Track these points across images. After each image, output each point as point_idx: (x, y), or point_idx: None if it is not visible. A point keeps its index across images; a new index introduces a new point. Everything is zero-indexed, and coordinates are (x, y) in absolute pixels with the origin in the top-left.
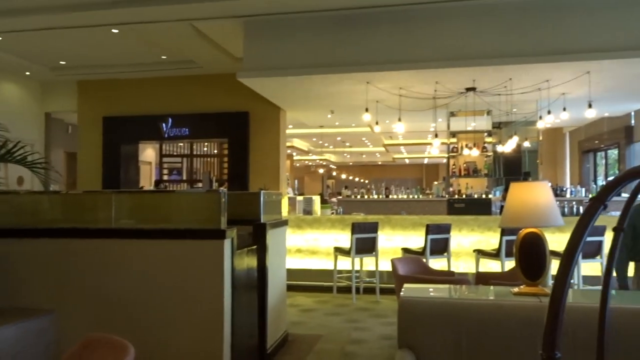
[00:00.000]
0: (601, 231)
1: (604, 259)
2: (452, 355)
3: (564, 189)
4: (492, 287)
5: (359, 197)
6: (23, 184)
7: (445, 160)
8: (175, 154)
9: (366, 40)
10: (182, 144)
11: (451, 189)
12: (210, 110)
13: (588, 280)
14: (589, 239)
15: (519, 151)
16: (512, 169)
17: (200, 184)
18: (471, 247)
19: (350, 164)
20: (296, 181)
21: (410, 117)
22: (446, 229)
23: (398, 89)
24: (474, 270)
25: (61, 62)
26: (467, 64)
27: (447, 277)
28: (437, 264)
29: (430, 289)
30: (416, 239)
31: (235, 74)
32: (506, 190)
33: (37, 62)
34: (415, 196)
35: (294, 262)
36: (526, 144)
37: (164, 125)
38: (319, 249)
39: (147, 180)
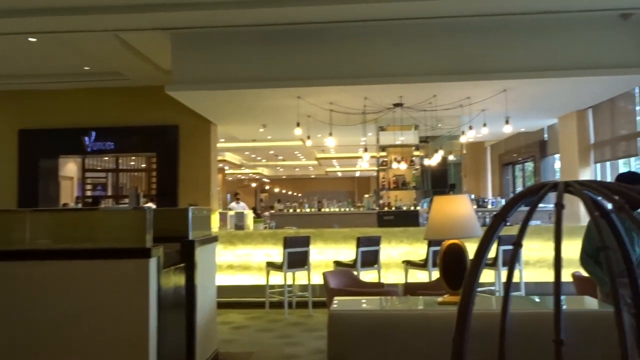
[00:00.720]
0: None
1: (522, 266)
2: None
3: (486, 200)
4: (419, 298)
5: (291, 210)
6: None
7: (375, 174)
8: (99, 168)
9: (297, 56)
10: (107, 158)
11: (381, 202)
12: (137, 123)
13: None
14: (506, 247)
15: (444, 164)
16: (439, 182)
17: (127, 200)
18: (400, 258)
19: (284, 177)
20: (228, 195)
21: (341, 131)
22: (376, 241)
23: (328, 103)
24: (403, 281)
25: None
26: (394, 81)
27: (377, 288)
28: (368, 276)
29: (360, 302)
30: (348, 252)
31: (164, 86)
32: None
33: None
34: (347, 209)
35: (225, 279)
36: (451, 157)
37: (86, 138)
38: (251, 264)
39: (68, 197)
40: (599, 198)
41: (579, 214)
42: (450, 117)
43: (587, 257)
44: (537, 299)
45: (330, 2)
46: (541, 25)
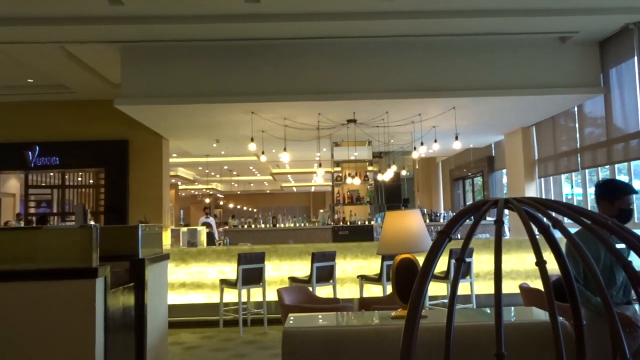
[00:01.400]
0: (470, 253)
1: (473, 279)
2: None
3: (438, 214)
4: (374, 312)
5: (246, 226)
6: None
7: (330, 189)
8: (44, 184)
9: (250, 71)
10: (52, 174)
11: (336, 217)
12: (84, 137)
13: (462, 299)
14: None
15: (397, 179)
16: (393, 196)
17: (73, 217)
18: (355, 273)
19: (238, 192)
20: (181, 211)
21: (295, 146)
22: (331, 256)
23: (283, 119)
24: (358, 296)
25: None
26: (347, 97)
27: (332, 304)
28: (323, 291)
29: (315, 318)
30: (303, 267)
31: (112, 100)
32: None
33: None
34: (302, 224)
35: (177, 298)
36: (404, 172)
37: (30, 153)
38: (204, 282)
39: (10, 214)
40: (537, 214)
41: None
42: (402, 133)
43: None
44: (488, 311)
45: (282, 19)
46: (487, 47)
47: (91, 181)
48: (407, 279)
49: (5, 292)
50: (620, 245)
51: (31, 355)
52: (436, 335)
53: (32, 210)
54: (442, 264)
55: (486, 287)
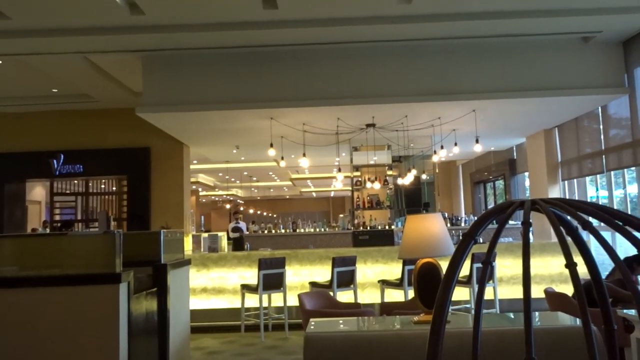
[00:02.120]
0: (492, 257)
1: (496, 283)
2: None
3: (459, 218)
4: (395, 317)
5: (266, 232)
6: None
7: (350, 194)
8: (68, 192)
9: (269, 77)
10: (76, 182)
11: (356, 221)
12: (107, 146)
13: (485, 304)
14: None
15: (417, 183)
16: (413, 201)
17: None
18: (376, 277)
19: (258, 198)
20: (202, 217)
21: (314, 151)
22: (352, 261)
23: (302, 124)
24: (379, 301)
25: None
26: (366, 102)
27: (354, 309)
28: (344, 296)
29: (336, 323)
30: (323, 272)
31: (134, 108)
32: None
33: None
34: (322, 229)
35: (199, 303)
36: (424, 176)
37: (55, 162)
38: (225, 287)
39: (36, 222)
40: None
41: (549, 231)
42: (422, 137)
43: None
44: (511, 316)
45: (300, 25)
46: (508, 48)
47: (114, 188)
48: (430, 284)
49: (32, 297)
50: None
51: (57, 358)
52: (460, 340)
53: (57, 217)
54: (464, 269)
55: (509, 292)
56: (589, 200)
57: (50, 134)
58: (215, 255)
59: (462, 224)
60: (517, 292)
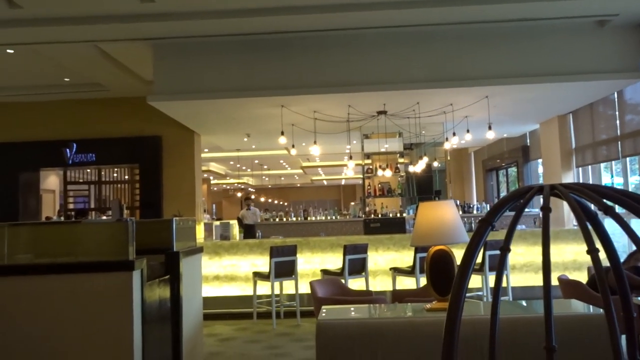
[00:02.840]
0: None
1: (509, 271)
2: None
3: (471, 205)
4: (407, 305)
5: (277, 220)
6: None
7: (361, 181)
8: (81, 180)
9: (280, 64)
10: (89, 170)
11: (367, 209)
12: (119, 134)
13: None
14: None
15: (429, 171)
16: (424, 188)
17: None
18: (387, 265)
19: (269, 186)
20: (213, 205)
21: (325, 139)
22: (363, 248)
23: (312, 112)
24: (391, 288)
25: None
26: (377, 89)
27: (365, 296)
28: (355, 283)
29: (348, 310)
30: (335, 260)
31: (145, 97)
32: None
33: None
34: (333, 217)
35: (211, 290)
36: (435, 163)
37: (67, 151)
38: (237, 274)
39: (50, 210)
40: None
41: (563, 217)
42: (433, 124)
43: None
44: (524, 303)
45: (312, 11)
46: (521, 33)
47: (126, 177)
48: (442, 271)
49: (47, 285)
50: None
51: (72, 345)
52: (472, 328)
53: (71, 206)
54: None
55: (522, 280)
56: None
57: (62, 123)
58: (227, 243)
59: (474, 212)
60: (529, 280)
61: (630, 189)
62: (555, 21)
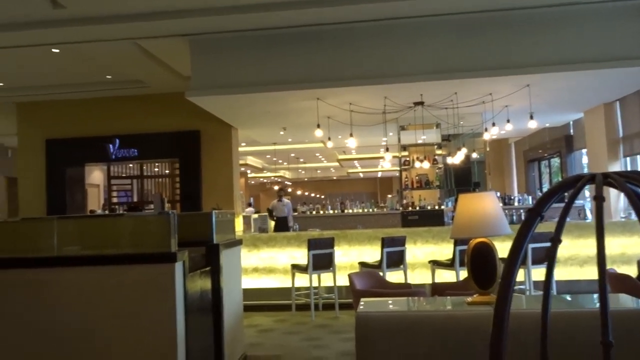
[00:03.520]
0: (549, 237)
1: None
2: None
3: (512, 197)
4: (447, 298)
5: (314, 212)
6: None
7: (397, 174)
8: (124, 175)
9: (315, 57)
10: (131, 165)
11: (405, 202)
12: (159, 130)
13: (539, 285)
14: (538, 245)
15: (468, 162)
16: (463, 180)
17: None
18: (426, 258)
19: (306, 179)
20: (251, 199)
21: (361, 131)
22: (401, 241)
23: (348, 104)
24: (430, 281)
25: None
26: (413, 79)
27: (404, 289)
28: (393, 276)
29: (387, 303)
30: (372, 253)
31: (184, 92)
32: (457, 200)
33: None
34: (370, 210)
35: (250, 282)
36: (474, 155)
37: (110, 146)
38: (275, 267)
39: (95, 204)
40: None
41: (608, 208)
42: (472, 115)
43: None
44: (568, 298)
45: (347, 2)
46: (563, 18)
47: (167, 171)
48: (483, 264)
49: (93, 275)
50: None
51: (117, 334)
52: (518, 322)
53: (114, 200)
54: None
55: (566, 274)
56: None
57: (106, 120)
58: (265, 235)
59: (516, 204)
60: (573, 274)
61: None
62: (598, 5)
